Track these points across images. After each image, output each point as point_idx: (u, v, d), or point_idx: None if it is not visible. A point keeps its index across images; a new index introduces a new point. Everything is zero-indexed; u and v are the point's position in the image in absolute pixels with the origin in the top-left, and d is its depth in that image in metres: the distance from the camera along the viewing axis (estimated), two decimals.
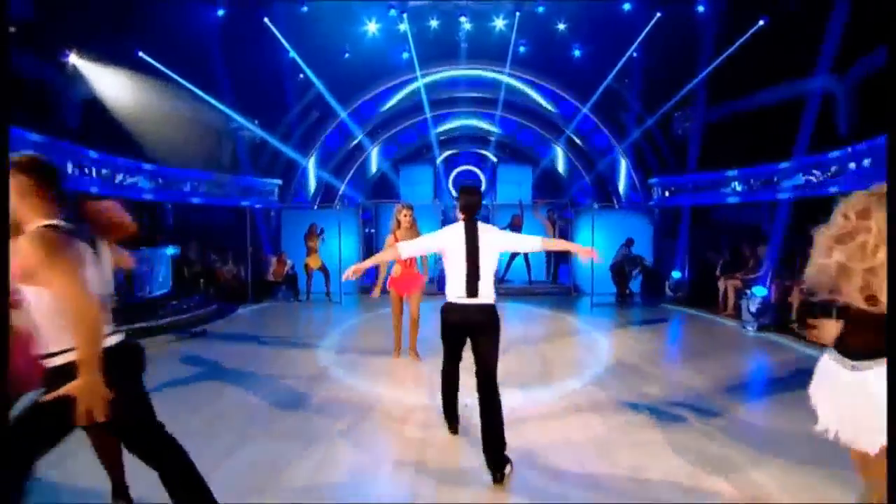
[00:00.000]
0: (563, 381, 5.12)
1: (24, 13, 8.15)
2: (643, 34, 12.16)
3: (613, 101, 13.51)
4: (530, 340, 6.76)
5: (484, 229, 3.22)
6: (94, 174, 9.19)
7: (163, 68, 10.72)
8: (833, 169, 8.27)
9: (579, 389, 4.86)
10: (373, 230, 13.33)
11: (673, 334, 7.79)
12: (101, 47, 9.57)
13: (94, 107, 9.61)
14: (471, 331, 3.21)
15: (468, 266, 3.13)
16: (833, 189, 8.11)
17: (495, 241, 3.23)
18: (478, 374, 3.15)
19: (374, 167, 16.72)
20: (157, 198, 10.81)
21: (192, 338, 6.99)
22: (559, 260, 11.90)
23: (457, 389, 3.59)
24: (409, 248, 3.30)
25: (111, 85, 9.96)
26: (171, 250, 8.46)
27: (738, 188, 10.02)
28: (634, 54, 12.84)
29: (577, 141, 14.74)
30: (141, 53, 10.44)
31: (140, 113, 10.17)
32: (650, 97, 12.76)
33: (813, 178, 8.71)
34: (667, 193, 11.95)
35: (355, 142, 15.06)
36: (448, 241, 3.21)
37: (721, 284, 8.99)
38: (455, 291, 3.21)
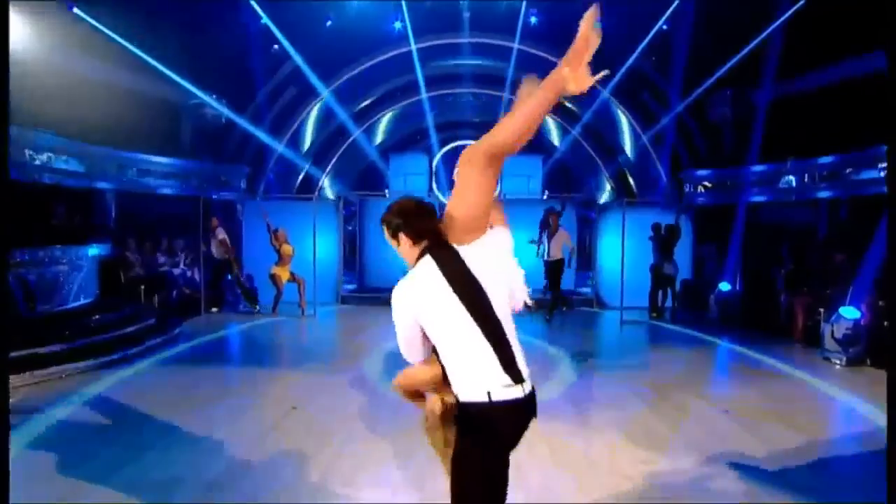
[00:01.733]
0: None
1: None
2: (676, 2, 10.71)
3: (640, 81, 12.02)
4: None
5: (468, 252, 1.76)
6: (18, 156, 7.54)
7: (102, 28, 9.04)
8: None
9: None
10: (355, 228, 11.74)
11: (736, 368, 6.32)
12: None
13: (13, 69, 7.90)
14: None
15: (481, 325, 1.68)
16: None
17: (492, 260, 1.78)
18: None
19: (360, 155, 15.05)
20: (89, 184, 9.14)
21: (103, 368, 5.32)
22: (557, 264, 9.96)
23: None
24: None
25: (36, 44, 8.23)
26: (94, 249, 6.78)
27: (794, 182, 8.61)
28: (664, 27, 11.39)
29: (596, 128, 13.28)
30: (76, 10, 8.76)
31: (73, 80, 8.46)
32: (684, 77, 11.30)
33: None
34: (701, 189, 10.54)
35: (338, 125, 13.43)
36: (426, 306, 1.75)
37: (788, 301, 7.56)
38: (487, 383, 1.69)
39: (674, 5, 10.71)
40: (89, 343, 5.79)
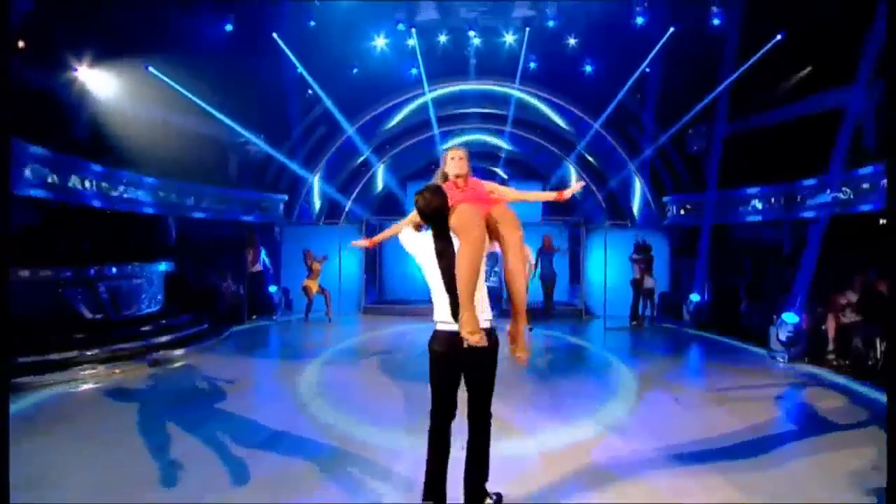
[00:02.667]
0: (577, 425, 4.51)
1: (34, 26, 7.98)
2: (656, 48, 11.72)
3: (626, 116, 13.04)
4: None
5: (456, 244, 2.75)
6: (94, 187, 8.93)
7: (171, 82, 10.49)
8: (865, 186, 7.64)
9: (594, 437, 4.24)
10: (375, 247, 12.86)
11: (697, 365, 7.14)
12: (111, 61, 9.42)
13: (101, 120, 9.43)
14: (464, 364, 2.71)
15: (445, 283, 2.68)
16: (865, 207, 7.48)
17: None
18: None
19: (380, 184, 16.32)
20: (158, 211, 10.50)
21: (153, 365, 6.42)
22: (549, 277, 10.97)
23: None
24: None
25: (119, 98, 9.74)
26: (163, 266, 8.04)
27: (759, 206, 9.40)
28: (648, 69, 12.41)
29: (589, 157, 14.25)
30: (150, 68, 10.21)
31: (146, 126, 9.93)
32: (665, 113, 12.26)
33: (842, 195, 8.08)
34: (682, 212, 11.35)
35: (362, 158, 14.73)
36: (420, 255, 2.81)
37: (747, 308, 8.33)
38: (438, 316, 2.76)
39: (654, 51, 11.73)
40: (159, 342, 7.00)
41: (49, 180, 7.65)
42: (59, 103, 9.10)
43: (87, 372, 5.80)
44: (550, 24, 12.27)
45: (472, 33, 12.75)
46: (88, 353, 6.17)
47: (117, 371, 5.94)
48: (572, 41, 13.13)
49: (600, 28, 12.47)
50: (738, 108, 10.53)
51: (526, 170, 15.67)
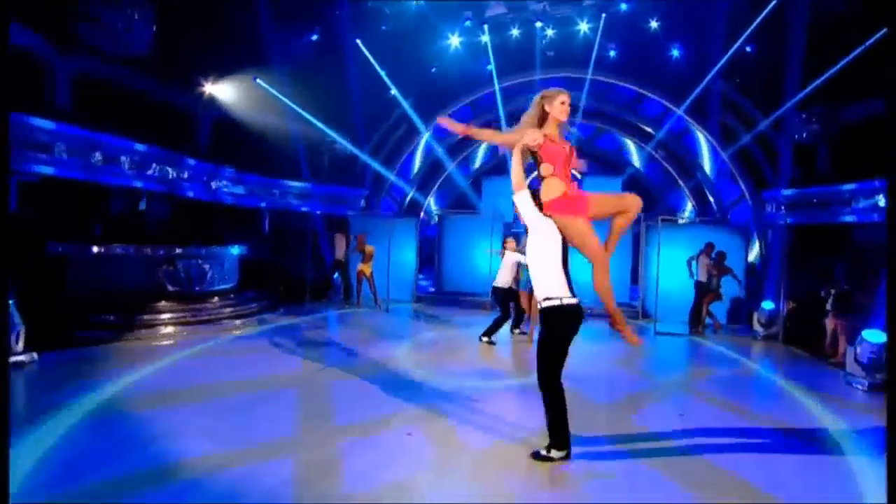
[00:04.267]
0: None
1: (170, 51, 9.52)
2: (759, 20, 9.94)
3: (717, 102, 11.31)
4: None
5: None
6: (205, 183, 10.34)
7: (271, 90, 11.63)
8: None
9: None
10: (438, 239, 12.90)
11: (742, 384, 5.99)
12: (226, 76, 10.84)
13: (221, 126, 10.92)
14: None
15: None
16: None
17: None
18: None
19: (456, 181, 16.37)
20: (252, 203, 11.75)
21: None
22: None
23: None
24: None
25: (231, 104, 11.13)
26: (236, 250, 9.00)
27: (862, 204, 7.50)
28: (748, 48, 10.65)
29: (672, 147, 12.70)
30: (258, 80, 11.44)
31: (249, 127, 11.22)
32: (767, 97, 10.38)
33: None
34: (782, 209, 9.58)
35: (436, 157, 14.90)
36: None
37: (829, 324, 6.76)
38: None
39: (756, 22, 9.99)
40: (222, 313, 7.87)
41: (163, 176, 9.02)
42: (182, 113, 10.73)
43: (163, 331, 6.81)
44: (623, 7, 11.17)
45: (539, 24, 12.14)
46: (164, 316, 7.21)
47: (185, 333, 6.87)
48: (654, 24, 11.80)
49: (685, 6, 11.02)
50: (853, 91, 8.54)
51: (601, 161, 14.47)
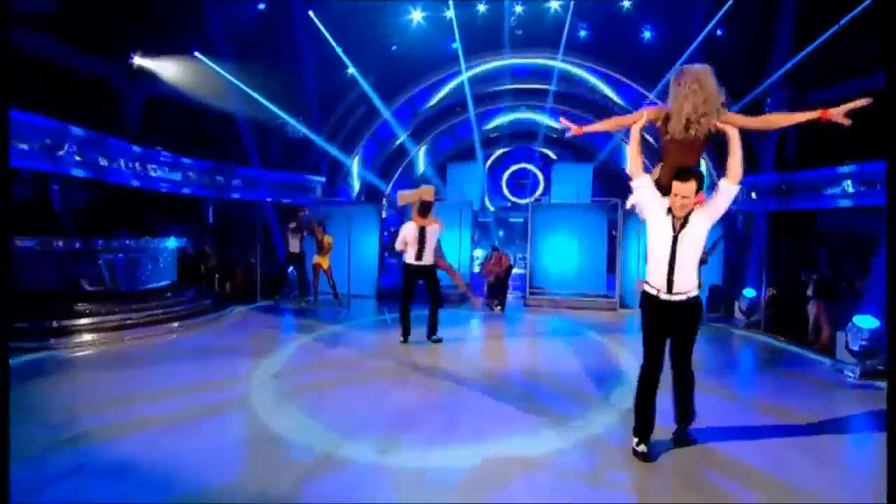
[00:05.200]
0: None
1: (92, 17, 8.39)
2: (725, 7, 9.95)
3: None
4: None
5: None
6: (135, 168, 9.32)
7: (215, 66, 10.65)
8: None
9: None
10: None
11: (738, 374, 5.82)
12: (159, 48, 9.76)
13: (154, 105, 9.84)
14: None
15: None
16: None
17: None
18: None
19: (420, 166, 15.80)
20: (192, 191, 10.77)
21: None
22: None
23: None
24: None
25: (169, 82, 10.07)
26: (173, 242, 8.10)
27: (850, 189, 7.54)
28: (718, 31, 10.63)
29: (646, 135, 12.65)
30: (197, 53, 10.42)
31: (191, 110, 10.21)
32: (736, 81, 10.38)
33: None
34: (753, 195, 9.61)
35: (399, 140, 14.26)
36: None
37: (812, 309, 6.73)
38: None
39: (723, 10, 9.98)
40: (155, 315, 7.01)
41: (84, 159, 7.98)
42: (106, 88, 9.58)
43: (80, 340, 5.92)
44: None
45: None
46: (82, 322, 6.29)
47: (107, 341, 6.00)
48: (626, 3, 11.64)
49: None
50: (827, 71, 8.59)
51: (573, 149, 14.33)
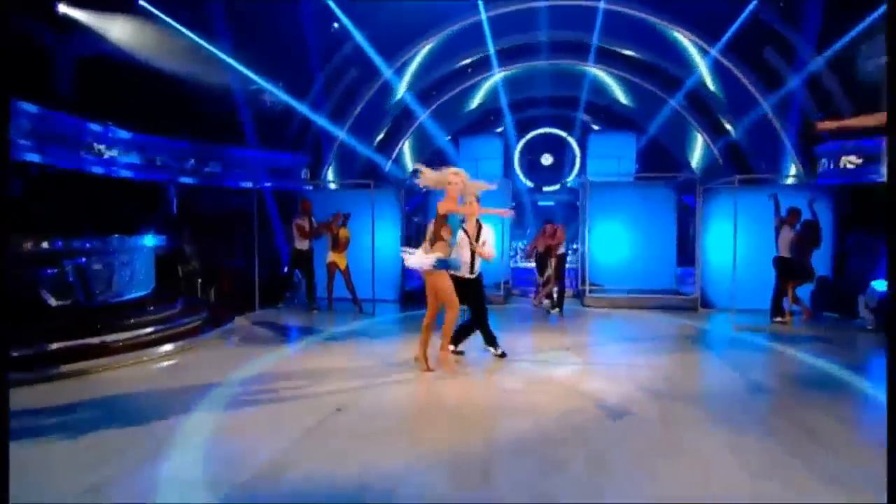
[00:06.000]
0: None
1: None
2: None
3: (760, 35, 10.91)
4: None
5: None
6: (93, 151, 8.44)
7: (167, 18, 9.70)
8: None
9: None
10: (422, 221, 11.67)
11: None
12: None
13: (92, 68, 8.83)
14: None
15: None
16: None
17: None
18: None
19: (427, 138, 15.06)
20: (150, 176, 9.85)
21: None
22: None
23: None
24: None
25: (109, 40, 9.10)
26: (151, 240, 7.23)
27: None
28: None
29: (701, 97, 12.31)
30: (141, 1, 9.47)
31: (135, 72, 9.23)
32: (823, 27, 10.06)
33: None
34: (848, 165, 9.39)
35: (403, 107, 13.51)
36: None
37: None
38: None
39: None
40: (144, 335, 6.18)
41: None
42: (33, 48, 8.50)
43: (47, 373, 5.05)
44: None
45: None
46: (50, 347, 5.44)
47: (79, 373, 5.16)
48: None
49: None
50: None
51: (611, 117, 13.87)
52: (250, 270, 9.78)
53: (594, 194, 9.79)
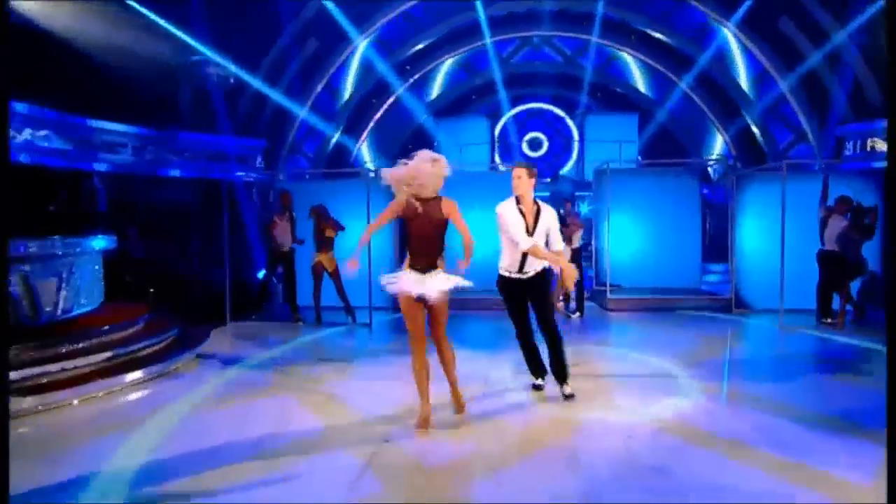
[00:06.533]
0: None
1: None
2: None
3: (777, 7, 11.01)
4: None
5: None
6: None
7: None
8: None
9: None
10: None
11: None
12: None
13: None
14: None
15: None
16: None
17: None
18: None
19: (404, 118, 14.48)
20: (80, 165, 8.90)
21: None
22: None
23: None
24: None
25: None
26: (101, 242, 6.31)
27: None
28: None
29: (713, 77, 12.36)
30: None
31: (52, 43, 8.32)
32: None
33: None
34: (876, 147, 9.63)
35: (376, 81, 12.85)
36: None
37: None
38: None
39: None
40: (106, 359, 5.40)
41: None
42: None
43: None
44: None
45: None
46: None
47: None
48: None
49: None
50: None
51: (611, 96, 13.72)
52: (210, 276, 9.02)
53: (605, 183, 9.61)
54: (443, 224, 4.07)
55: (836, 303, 7.94)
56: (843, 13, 10.31)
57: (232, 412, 4.59)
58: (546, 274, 4.71)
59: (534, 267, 4.60)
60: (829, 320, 7.86)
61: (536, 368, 4.96)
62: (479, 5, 11.61)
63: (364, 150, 14.15)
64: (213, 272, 9.18)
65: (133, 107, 9.88)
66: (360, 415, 4.42)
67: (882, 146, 10.09)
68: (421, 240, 4.07)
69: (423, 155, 4.05)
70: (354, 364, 6.29)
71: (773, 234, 8.03)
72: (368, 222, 8.91)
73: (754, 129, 12.14)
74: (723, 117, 12.58)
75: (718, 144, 13.39)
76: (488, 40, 12.14)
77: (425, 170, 3.94)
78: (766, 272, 8.45)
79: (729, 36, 11.73)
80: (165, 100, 10.92)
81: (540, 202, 4.66)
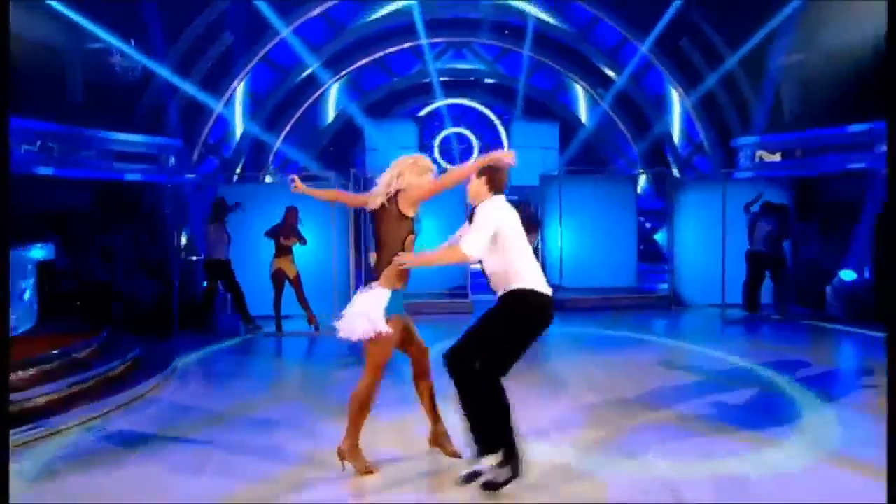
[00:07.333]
0: None
1: None
2: None
3: (680, 31, 12.06)
4: None
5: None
6: None
7: None
8: None
9: None
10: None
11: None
12: None
13: None
14: None
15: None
16: None
17: None
18: None
19: (331, 114, 13.96)
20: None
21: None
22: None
23: None
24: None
25: None
26: (39, 252, 5.33)
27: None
28: None
29: (629, 94, 13.26)
30: None
31: None
32: (735, 24, 11.42)
33: None
34: (764, 158, 10.84)
35: (302, 77, 12.24)
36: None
37: None
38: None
39: None
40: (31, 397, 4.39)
41: None
42: None
43: None
44: None
45: None
46: None
47: None
48: None
49: None
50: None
51: (534, 105, 14.20)
52: (137, 287, 8.11)
53: (551, 189, 10.03)
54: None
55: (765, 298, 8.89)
56: (734, 40, 11.48)
57: None
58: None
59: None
60: (752, 310, 8.72)
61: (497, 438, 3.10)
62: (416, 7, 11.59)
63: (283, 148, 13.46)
64: (141, 283, 8.25)
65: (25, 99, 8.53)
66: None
67: (769, 157, 11.42)
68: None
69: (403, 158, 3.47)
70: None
71: (703, 236, 9.01)
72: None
73: (663, 140, 13.24)
74: (635, 131, 13.55)
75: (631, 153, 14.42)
76: (424, 40, 12.10)
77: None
78: (697, 271, 9.32)
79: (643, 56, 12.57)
80: (59, 91, 9.68)
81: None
